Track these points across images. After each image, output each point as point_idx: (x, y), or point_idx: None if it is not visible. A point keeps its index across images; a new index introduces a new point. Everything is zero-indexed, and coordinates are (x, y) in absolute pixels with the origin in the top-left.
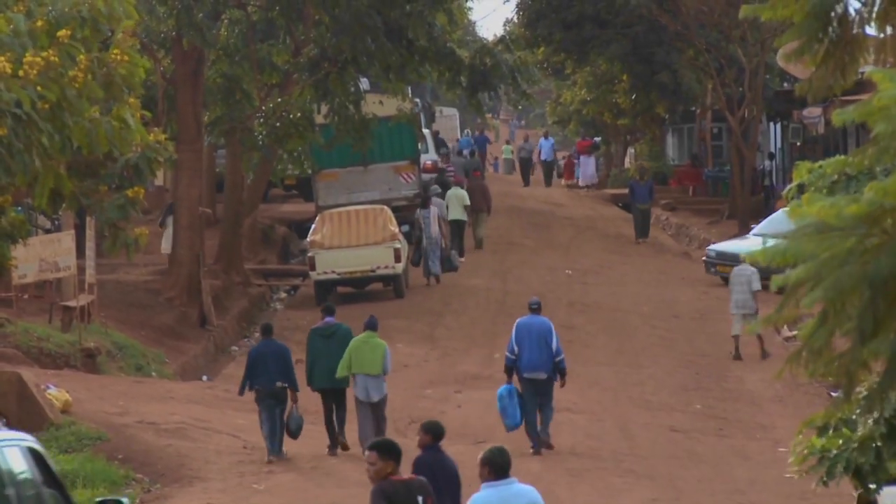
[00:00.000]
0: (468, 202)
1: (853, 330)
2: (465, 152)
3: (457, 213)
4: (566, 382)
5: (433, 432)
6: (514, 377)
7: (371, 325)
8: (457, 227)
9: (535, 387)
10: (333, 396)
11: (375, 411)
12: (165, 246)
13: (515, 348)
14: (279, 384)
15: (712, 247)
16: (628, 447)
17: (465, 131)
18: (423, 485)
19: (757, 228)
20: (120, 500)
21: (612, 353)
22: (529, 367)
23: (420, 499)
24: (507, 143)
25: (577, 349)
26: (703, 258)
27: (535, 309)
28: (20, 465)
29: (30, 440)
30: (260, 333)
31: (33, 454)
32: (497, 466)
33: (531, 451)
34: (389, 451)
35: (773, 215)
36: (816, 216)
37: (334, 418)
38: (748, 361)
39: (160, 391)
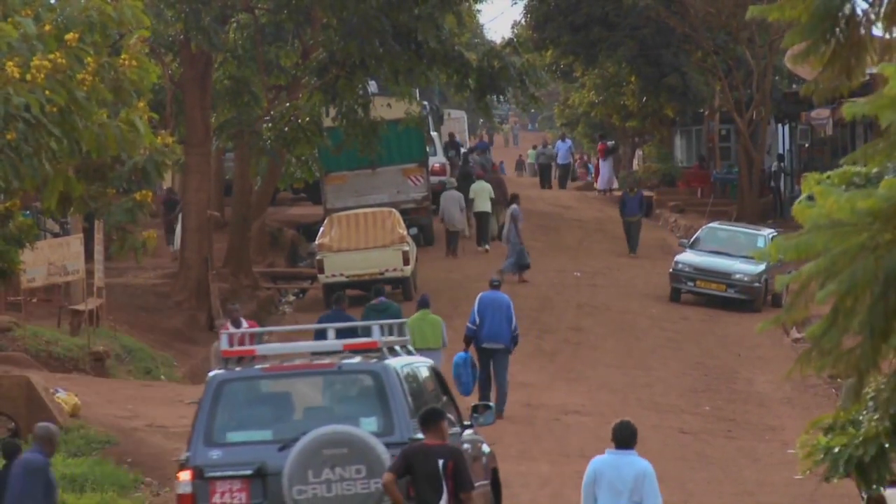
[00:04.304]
0: (493, 195)
1: (864, 325)
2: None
3: (483, 205)
4: (513, 351)
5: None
6: (472, 347)
7: (424, 303)
8: (482, 219)
9: (490, 356)
10: None
11: None
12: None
13: (477, 319)
14: None
15: (684, 259)
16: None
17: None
18: (445, 450)
19: (689, 241)
20: (488, 405)
21: (621, 355)
22: (489, 338)
23: (440, 462)
24: (534, 147)
25: (586, 351)
26: (671, 270)
27: (496, 286)
28: (429, 378)
29: (431, 362)
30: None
31: (434, 371)
32: (617, 438)
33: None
34: (422, 420)
35: (701, 231)
36: (830, 209)
37: None
38: (757, 363)
39: (169, 395)
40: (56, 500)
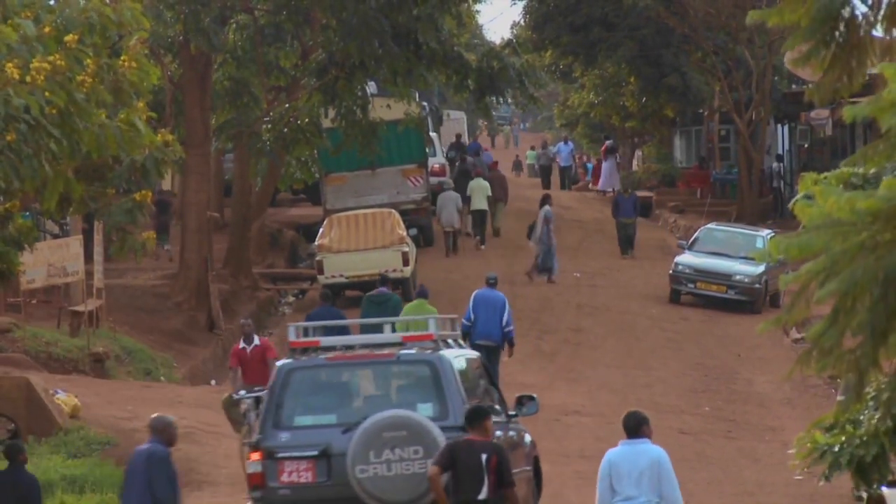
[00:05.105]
0: (490, 192)
1: (864, 325)
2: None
3: (480, 203)
4: (513, 353)
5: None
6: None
7: (423, 294)
8: (479, 216)
9: (485, 353)
10: None
11: None
12: None
13: (472, 316)
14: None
15: (684, 260)
16: None
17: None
18: (489, 446)
19: (688, 243)
20: (532, 396)
21: (621, 355)
22: (483, 335)
23: (484, 456)
24: (532, 148)
25: (586, 352)
26: (671, 271)
27: (492, 283)
28: (477, 368)
29: (475, 354)
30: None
31: (481, 362)
32: (627, 427)
33: None
34: (468, 417)
35: (699, 232)
36: (830, 209)
37: None
38: (756, 363)
39: (169, 395)
40: (179, 488)
